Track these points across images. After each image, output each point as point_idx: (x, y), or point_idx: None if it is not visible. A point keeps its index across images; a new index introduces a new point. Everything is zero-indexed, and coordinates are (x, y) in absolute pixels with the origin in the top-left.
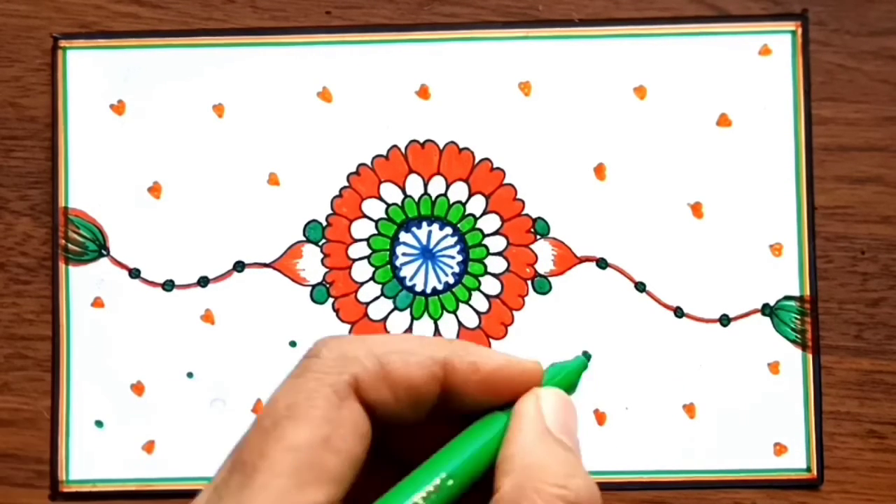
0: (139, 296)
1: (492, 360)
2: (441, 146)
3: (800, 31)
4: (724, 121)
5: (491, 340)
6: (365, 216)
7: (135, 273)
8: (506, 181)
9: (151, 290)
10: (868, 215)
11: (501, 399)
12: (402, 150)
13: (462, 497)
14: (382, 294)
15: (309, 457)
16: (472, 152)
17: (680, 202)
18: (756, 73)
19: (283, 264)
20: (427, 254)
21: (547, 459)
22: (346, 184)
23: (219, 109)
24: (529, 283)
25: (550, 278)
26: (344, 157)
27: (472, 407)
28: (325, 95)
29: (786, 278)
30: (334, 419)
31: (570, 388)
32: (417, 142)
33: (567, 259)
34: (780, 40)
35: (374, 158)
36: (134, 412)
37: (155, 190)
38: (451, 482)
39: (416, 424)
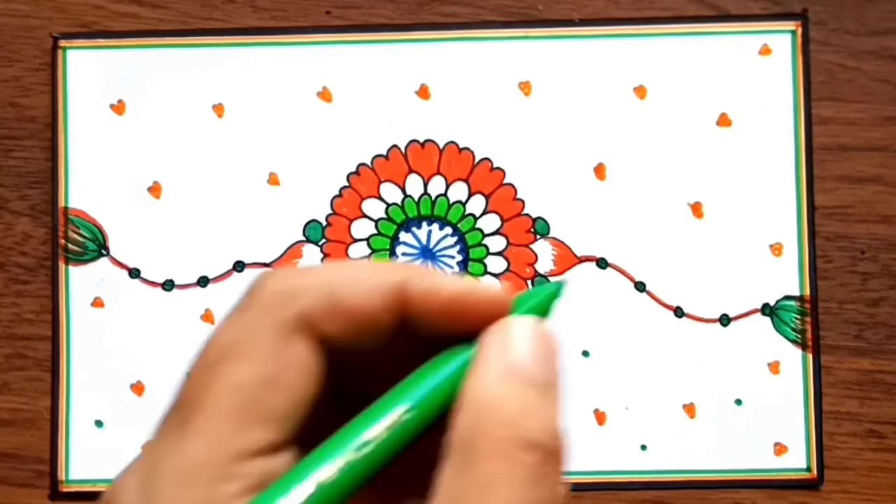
0: (139, 296)
1: (452, 285)
2: (441, 146)
3: (800, 30)
4: (724, 121)
5: None
6: (365, 216)
7: (135, 273)
8: (506, 181)
9: (151, 289)
10: (868, 215)
11: (468, 329)
12: (402, 149)
13: (427, 435)
14: None
15: (252, 396)
16: (472, 152)
17: (680, 202)
18: (756, 72)
19: (284, 264)
20: (427, 253)
21: (507, 397)
22: (346, 184)
23: (219, 109)
24: (529, 282)
25: (550, 278)
26: (344, 157)
27: (438, 336)
28: (325, 95)
29: (786, 278)
30: (280, 357)
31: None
32: (417, 142)
33: (567, 259)
34: (780, 40)
35: (374, 158)
36: (134, 412)
37: (155, 190)
38: (408, 416)
39: (379, 356)
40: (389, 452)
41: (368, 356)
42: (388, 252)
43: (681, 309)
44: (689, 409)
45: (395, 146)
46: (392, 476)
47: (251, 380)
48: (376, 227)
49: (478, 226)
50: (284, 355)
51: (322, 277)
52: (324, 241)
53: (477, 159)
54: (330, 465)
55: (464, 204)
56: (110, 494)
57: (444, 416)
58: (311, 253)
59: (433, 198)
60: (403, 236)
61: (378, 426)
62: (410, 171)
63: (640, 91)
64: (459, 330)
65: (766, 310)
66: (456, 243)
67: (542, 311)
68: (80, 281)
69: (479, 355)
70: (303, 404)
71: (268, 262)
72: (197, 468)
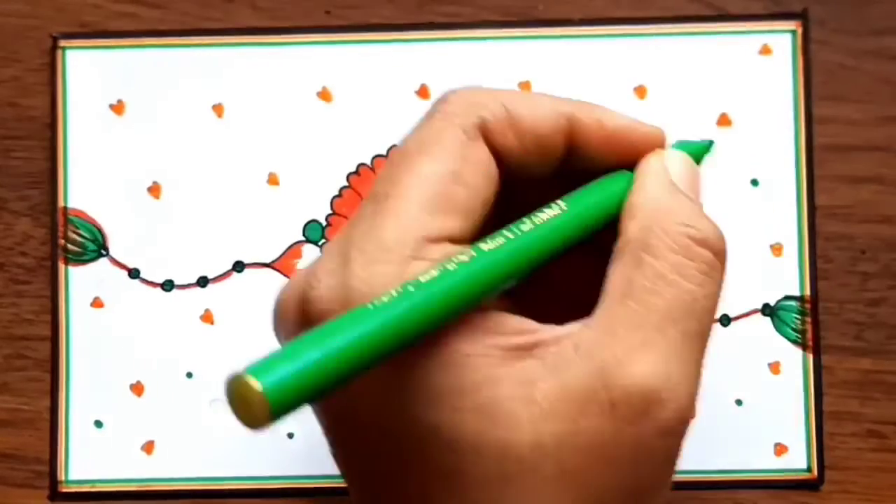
0: (138, 296)
1: (617, 119)
2: None
3: (800, 30)
4: (724, 120)
5: None
6: None
7: (134, 273)
8: None
9: (151, 290)
10: (868, 215)
11: (626, 160)
12: None
13: (581, 254)
14: None
15: (439, 188)
16: None
17: None
18: (756, 72)
19: (283, 264)
20: None
21: (673, 205)
22: (346, 184)
23: (218, 109)
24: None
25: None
26: (344, 157)
27: (598, 166)
28: (324, 95)
29: (786, 278)
30: (463, 156)
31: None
32: None
33: None
34: (781, 40)
35: (374, 158)
36: (133, 412)
37: (154, 190)
38: (563, 212)
39: (544, 183)
40: (547, 243)
41: (535, 185)
42: None
43: None
44: None
45: (394, 146)
46: (549, 298)
47: (439, 173)
48: None
49: None
50: (468, 155)
51: (503, 96)
52: (323, 241)
53: None
54: (492, 242)
55: None
56: (305, 280)
57: (599, 228)
58: (311, 253)
59: None
60: None
61: (538, 216)
62: None
63: (640, 91)
64: (616, 163)
65: (767, 310)
66: None
67: (694, 159)
68: (80, 281)
69: (641, 174)
70: (484, 204)
71: (267, 262)
72: (389, 248)
